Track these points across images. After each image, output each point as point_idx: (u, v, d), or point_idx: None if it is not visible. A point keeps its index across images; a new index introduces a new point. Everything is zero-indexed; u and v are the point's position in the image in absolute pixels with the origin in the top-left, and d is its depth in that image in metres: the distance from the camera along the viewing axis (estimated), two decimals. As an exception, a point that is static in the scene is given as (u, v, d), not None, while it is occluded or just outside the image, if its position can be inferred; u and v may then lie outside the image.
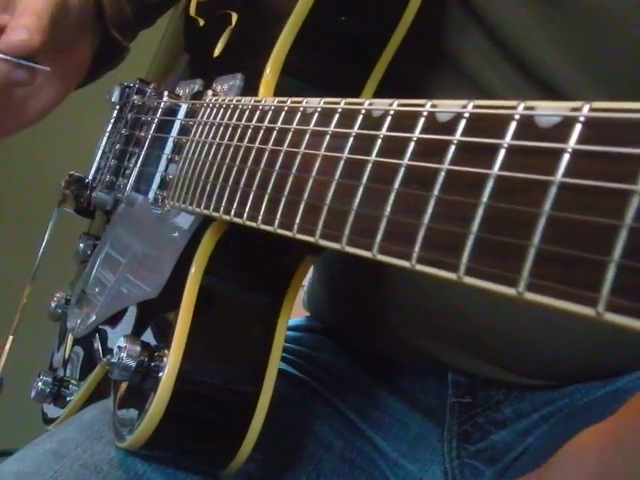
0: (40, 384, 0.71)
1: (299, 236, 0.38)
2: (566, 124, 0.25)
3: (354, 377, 0.67)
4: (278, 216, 0.39)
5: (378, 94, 0.52)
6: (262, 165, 0.42)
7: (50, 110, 0.68)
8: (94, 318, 0.67)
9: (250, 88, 0.53)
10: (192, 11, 0.71)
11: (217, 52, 0.61)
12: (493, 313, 0.55)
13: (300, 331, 0.73)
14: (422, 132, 0.31)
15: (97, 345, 0.67)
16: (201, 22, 0.69)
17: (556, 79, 0.52)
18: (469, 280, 0.27)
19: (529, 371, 0.59)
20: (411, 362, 0.64)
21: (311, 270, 0.74)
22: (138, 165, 0.62)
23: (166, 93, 0.61)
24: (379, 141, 0.33)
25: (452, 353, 0.60)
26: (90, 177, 0.77)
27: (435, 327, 0.59)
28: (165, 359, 0.51)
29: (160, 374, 0.51)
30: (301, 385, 0.66)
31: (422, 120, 0.31)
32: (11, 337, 0.71)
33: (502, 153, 0.27)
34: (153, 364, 0.52)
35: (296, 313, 0.73)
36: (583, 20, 0.51)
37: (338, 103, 0.38)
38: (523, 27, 0.52)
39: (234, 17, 0.61)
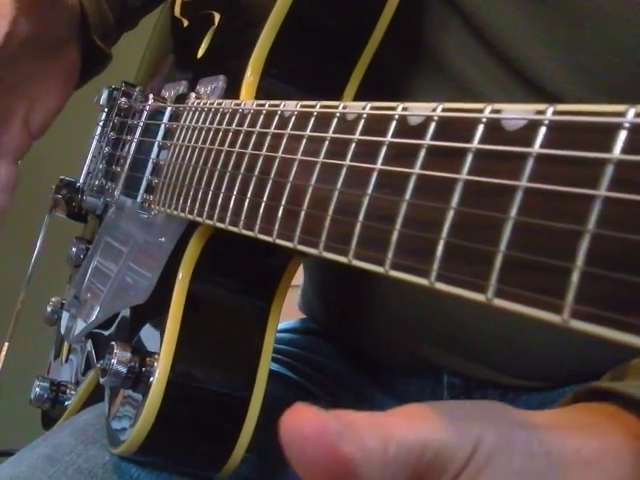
0: (37, 389, 0.71)
1: (278, 241, 0.37)
2: (531, 127, 0.25)
3: (349, 378, 0.67)
4: (258, 221, 0.39)
5: (361, 93, 0.52)
6: (242, 170, 0.42)
7: (53, 119, 0.69)
8: (87, 323, 0.67)
9: (232, 90, 0.52)
10: (177, 12, 0.71)
11: (201, 53, 0.61)
12: (484, 316, 0.55)
13: (295, 333, 0.72)
14: (394, 135, 0.31)
15: (91, 349, 0.67)
16: (185, 23, 0.68)
17: (541, 76, 0.51)
18: (440, 286, 0.27)
19: (524, 373, 0.58)
20: (405, 364, 0.63)
21: (304, 273, 0.74)
22: (126, 169, 0.62)
23: (151, 96, 0.61)
24: (353, 145, 0.33)
25: (445, 355, 0.59)
26: (81, 181, 0.76)
27: (427, 330, 0.58)
28: (155, 364, 0.51)
29: (151, 379, 0.51)
30: (296, 387, 0.66)
31: (394, 123, 0.31)
32: (7, 344, 0.71)
33: (470, 157, 0.26)
34: (144, 369, 0.52)
35: (291, 315, 0.73)
36: (568, 16, 0.50)
37: (314, 106, 0.37)
38: (508, 23, 0.51)
39: (217, 17, 0.61)
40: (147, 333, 0.55)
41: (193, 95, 0.55)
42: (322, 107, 0.37)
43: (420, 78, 0.56)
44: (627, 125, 0.22)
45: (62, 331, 0.75)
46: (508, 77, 0.52)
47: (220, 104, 0.48)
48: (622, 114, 0.22)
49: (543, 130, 0.24)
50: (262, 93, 0.51)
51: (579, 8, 0.49)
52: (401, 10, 0.50)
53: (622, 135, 0.22)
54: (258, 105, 0.43)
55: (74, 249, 0.77)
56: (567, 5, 0.49)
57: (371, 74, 0.52)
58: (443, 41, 0.54)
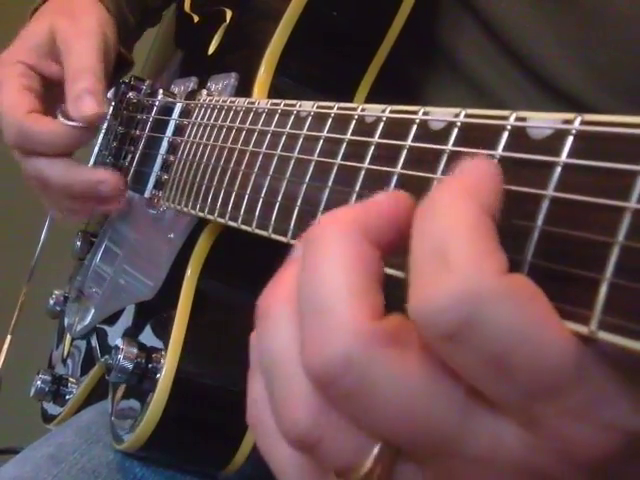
0: (39, 382, 0.71)
1: (293, 242, 0.37)
2: (558, 136, 0.24)
3: None
4: (272, 221, 0.39)
5: (374, 92, 0.52)
6: (256, 168, 0.42)
7: None
8: (91, 317, 0.67)
9: (244, 88, 0.52)
10: (187, 7, 0.70)
11: (212, 49, 0.60)
12: None
13: None
14: (414, 140, 0.31)
15: (95, 344, 0.67)
16: (196, 18, 0.68)
17: (555, 75, 0.51)
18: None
19: None
20: None
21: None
22: (134, 164, 0.62)
23: (161, 91, 0.61)
24: (372, 148, 0.33)
25: None
26: (87, 175, 0.76)
27: None
28: (162, 360, 0.51)
29: (157, 375, 0.50)
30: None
31: (414, 128, 0.31)
32: (9, 337, 0.71)
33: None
34: (150, 365, 0.52)
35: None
36: (583, 15, 0.50)
37: (331, 107, 0.37)
38: (521, 22, 0.51)
39: (228, 14, 0.61)
40: (154, 329, 0.55)
41: (204, 92, 0.55)
42: (340, 109, 0.37)
43: (434, 76, 0.55)
44: (659, 137, 0.22)
45: (66, 324, 0.75)
46: (521, 75, 0.52)
47: (233, 102, 0.48)
48: (654, 126, 0.22)
49: (570, 139, 0.24)
50: (274, 91, 0.51)
51: (590, 6, 0.49)
52: (415, 10, 0.50)
53: (654, 147, 0.22)
54: (273, 104, 0.43)
55: (79, 243, 0.76)
56: (578, 3, 0.49)
57: (385, 73, 0.52)
58: (456, 39, 0.54)
